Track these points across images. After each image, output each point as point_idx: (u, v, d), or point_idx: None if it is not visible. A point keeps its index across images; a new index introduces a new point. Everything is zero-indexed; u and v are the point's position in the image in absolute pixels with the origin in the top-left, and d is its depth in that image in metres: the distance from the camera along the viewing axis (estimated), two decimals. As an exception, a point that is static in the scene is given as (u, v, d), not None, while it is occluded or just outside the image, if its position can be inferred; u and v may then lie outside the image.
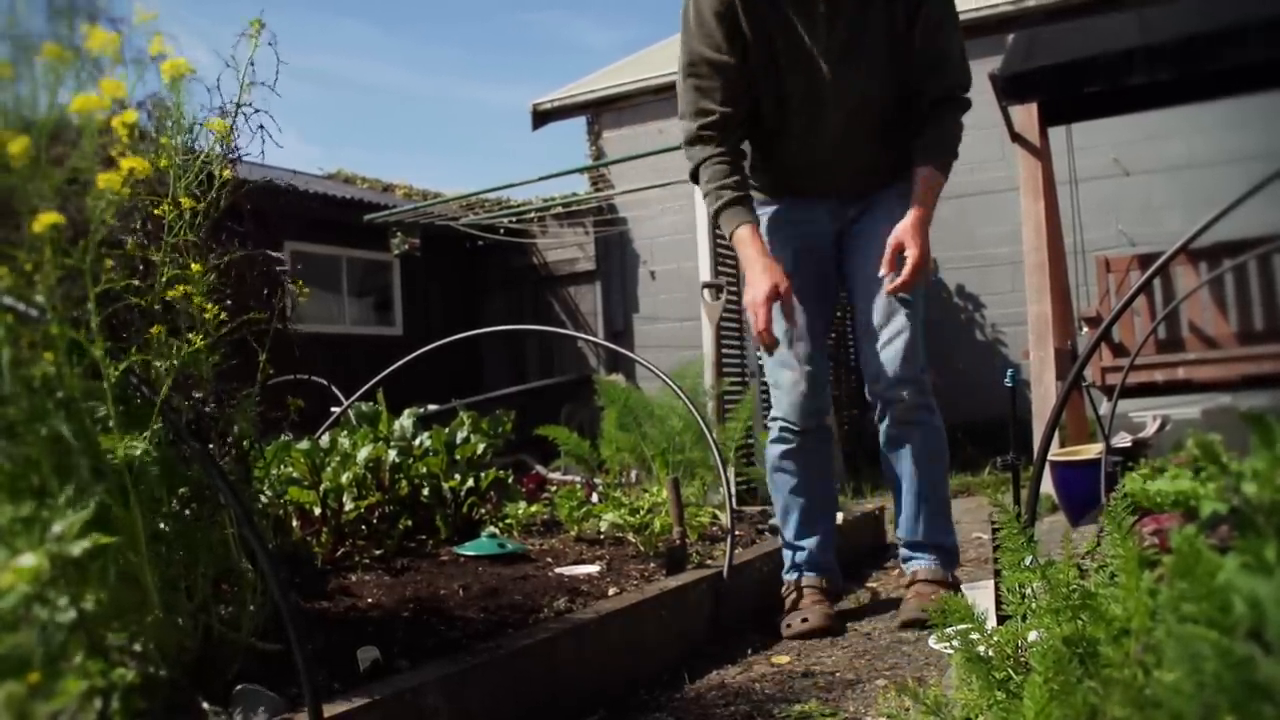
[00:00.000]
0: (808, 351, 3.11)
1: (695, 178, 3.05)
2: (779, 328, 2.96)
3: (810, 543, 3.20)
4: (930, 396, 3.09)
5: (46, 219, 1.38)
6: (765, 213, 3.16)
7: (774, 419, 3.19)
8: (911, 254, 2.82)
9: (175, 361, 1.72)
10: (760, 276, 2.89)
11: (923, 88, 2.97)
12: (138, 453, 1.57)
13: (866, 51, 2.92)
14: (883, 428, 3.11)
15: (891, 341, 3.00)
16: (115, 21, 1.56)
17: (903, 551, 3.20)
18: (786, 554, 3.25)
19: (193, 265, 1.82)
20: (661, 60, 11.64)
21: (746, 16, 2.89)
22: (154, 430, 1.63)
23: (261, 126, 1.99)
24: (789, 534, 3.23)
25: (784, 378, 3.12)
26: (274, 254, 2.12)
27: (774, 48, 2.91)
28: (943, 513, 3.16)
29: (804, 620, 3.02)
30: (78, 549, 1.43)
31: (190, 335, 1.79)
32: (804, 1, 2.87)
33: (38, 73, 1.49)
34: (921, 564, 3.11)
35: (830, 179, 3.10)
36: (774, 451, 3.21)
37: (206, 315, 1.82)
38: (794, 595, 3.15)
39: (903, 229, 2.84)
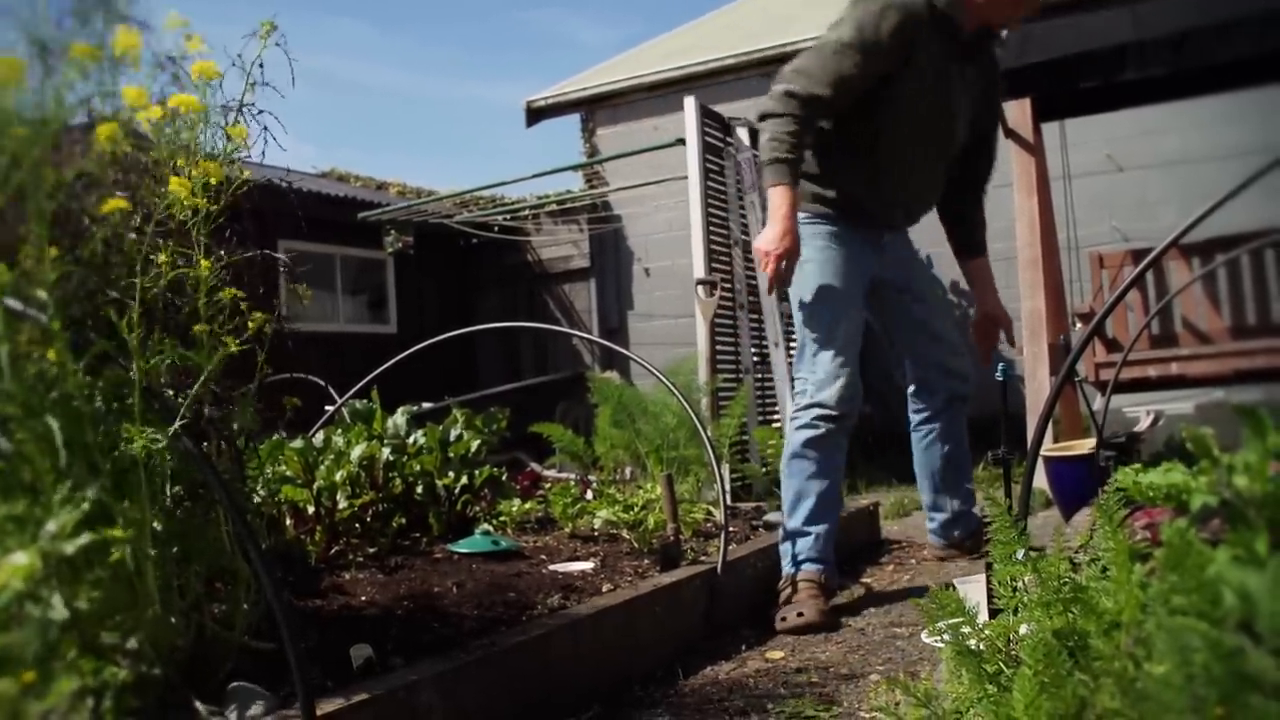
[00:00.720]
0: (852, 347, 3.32)
1: (764, 118, 3.17)
2: (829, 318, 3.28)
3: (818, 529, 3.24)
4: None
5: (114, 204, 1.41)
6: (824, 229, 3.34)
7: (808, 406, 3.26)
8: (1006, 327, 3.72)
9: (173, 360, 1.72)
10: (782, 235, 3.10)
11: (975, 167, 3.62)
12: (160, 445, 1.57)
13: (967, 114, 3.40)
14: (933, 419, 3.66)
15: (957, 348, 3.63)
16: (134, 22, 1.58)
17: (937, 520, 3.79)
18: (786, 546, 3.26)
19: (202, 263, 1.82)
20: (656, 57, 11.63)
21: (918, 49, 3.17)
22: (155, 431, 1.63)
23: (266, 128, 2.00)
24: (797, 521, 3.25)
25: (829, 366, 3.26)
26: (276, 254, 2.12)
27: (920, 85, 3.21)
28: (971, 495, 3.80)
29: (799, 615, 3.03)
30: (72, 547, 1.43)
31: (194, 329, 1.79)
32: (956, 58, 3.27)
33: (52, 69, 1.49)
34: (961, 530, 3.73)
35: (892, 213, 3.45)
36: (800, 437, 3.26)
37: (201, 319, 1.82)
38: (789, 590, 3.15)
39: (998, 315, 3.71)
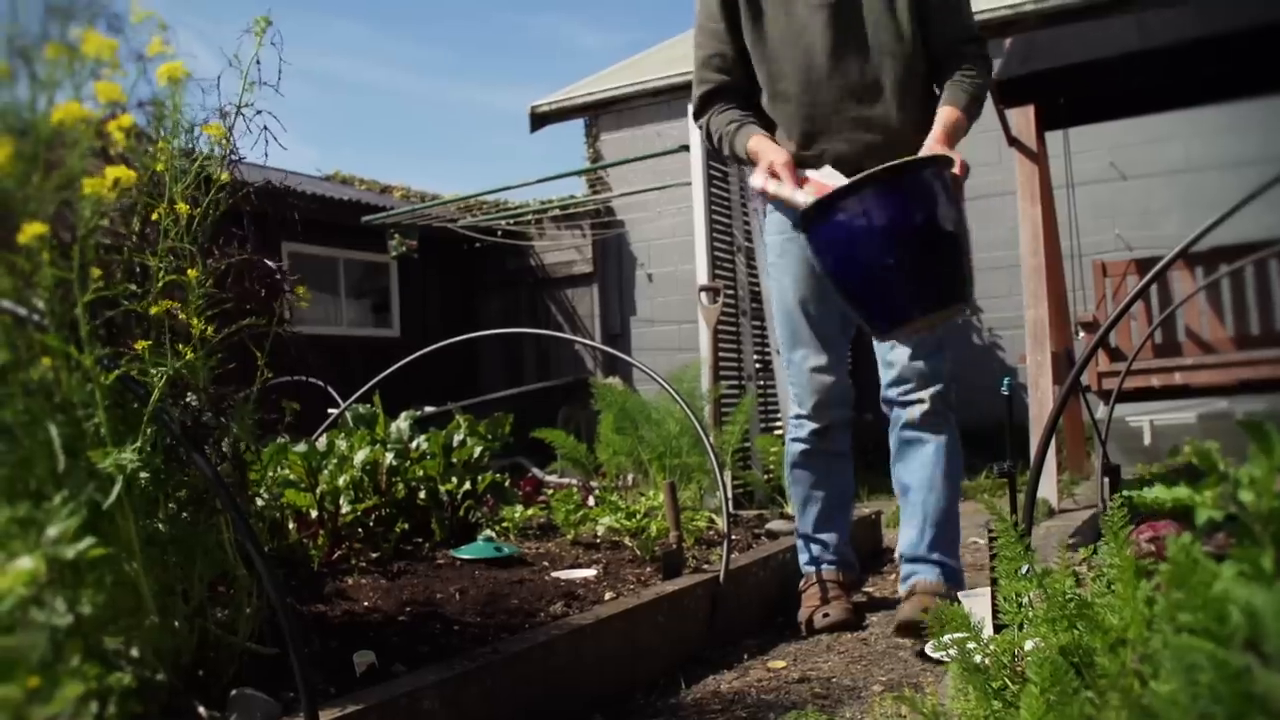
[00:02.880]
0: (825, 350, 3.13)
1: (710, 138, 3.10)
2: (794, 323, 3.11)
3: (828, 537, 3.24)
4: (952, 408, 3.04)
5: (32, 229, 1.38)
6: (777, 218, 3.16)
7: (795, 416, 3.22)
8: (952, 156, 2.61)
9: (170, 370, 1.71)
10: (773, 151, 2.87)
11: (930, 48, 2.95)
12: (126, 464, 1.56)
13: (860, 20, 2.92)
14: (896, 435, 3.05)
15: (913, 340, 2.96)
16: (113, 20, 1.56)
17: (904, 568, 3.04)
18: (801, 544, 3.29)
19: (189, 271, 1.82)
20: (659, 64, 11.61)
21: None
22: (145, 438, 1.63)
23: (265, 128, 1.99)
24: (807, 527, 3.27)
25: (804, 373, 3.15)
26: (273, 258, 2.12)
27: (785, 24, 2.95)
28: (951, 534, 3.03)
29: (825, 615, 3.07)
30: (72, 552, 1.43)
31: (180, 346, 1.79)
32: None
33: (36, 75, 1.49)
34: (922, 575, 2.97)
35: (844, 159, 2.91)
36: (794, 449, 3.25)
37: (194, 328, 1.82)
38: (814, 588, 3.19)
39: (929, 150, 2.73)
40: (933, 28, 2.93)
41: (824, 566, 3.23)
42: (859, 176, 2.39)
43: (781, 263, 3.15)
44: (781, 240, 3.14)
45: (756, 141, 2.92)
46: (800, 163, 2.90)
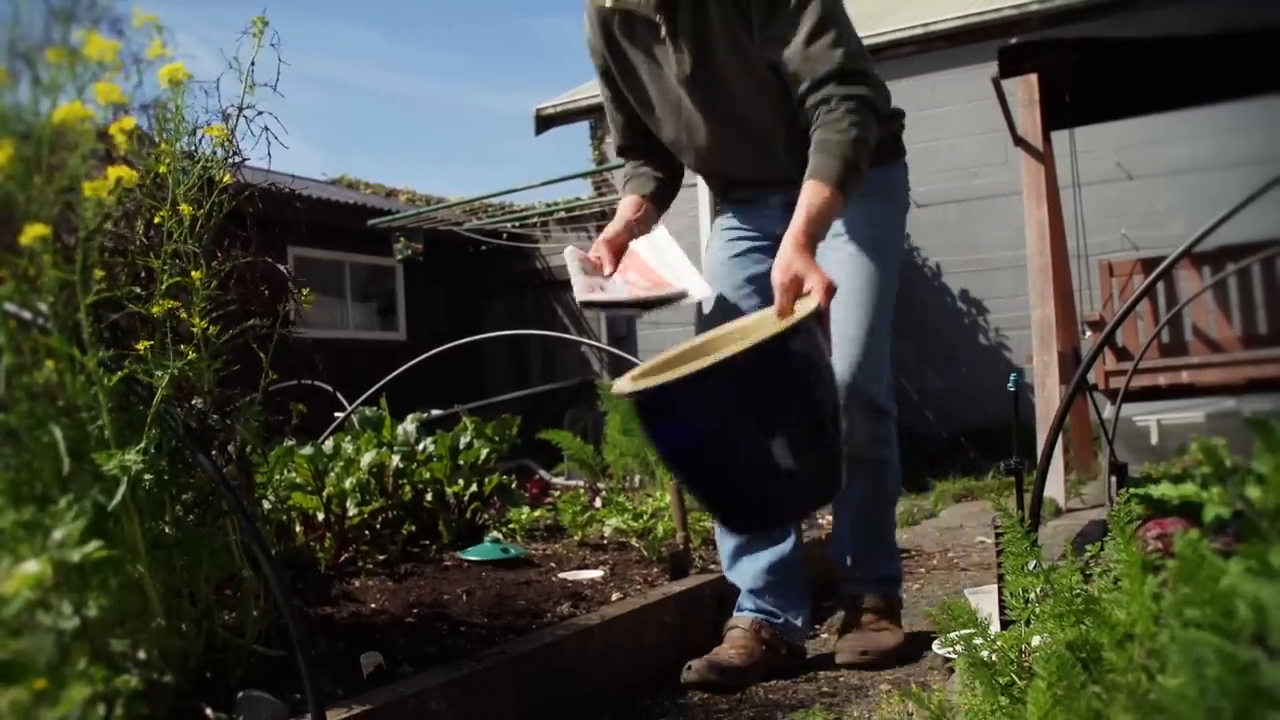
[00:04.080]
0: None
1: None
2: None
3: (741, 576, 2.79)
4: (890, 426, 2.70)
5: (34, 231, 1.38)
6: (716, 223, 2.99)
7: None
8: (812, 284, 2.12)
9: (173, 370, 1.72)
10: (612, 225, 2.70)
11: (797, 86, 2.45)
12: (131, 465, 1.57)
13: (718, 58, 2.56)
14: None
15: (850, 354, 2.57)
16: (115, 23, 1.57)
17: (841, 582, 2.83)
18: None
19: (193, 273, 1.82)
20: (664, 65, 11.63)
21: (609, 52, 2.72)
22: (149, 439, 1.63)
23: (266, 129, 1.99)
24: (724, 558, 2.87)
25: None
26: (278, 261, 2.12)
27: (636, 77, 2.71)
28: (887, 548, 2.83)
29: (689, 668, 2.55)
30: (78, 555, 1.43)
31: (183, 347, 1.79)
32: (649, 30, 2.61)
33: (41, 78, 1.49)
34: (860, 589, 2.77)
35: (748, 186, 2.81)
36: None
37: (195, 329, 1.82)
38: (731, 630, 2.73)
39: (786, 263, 2.17)
40: (786, 69, 2.46)
41: (739, 612, 2.76)
42: (696, 370, 1.87)
43: (709, 259, 2.94)
44: (716, 227, 2.97)
45: (620, 206, 2.79)
46: (724, 196, 2.89)
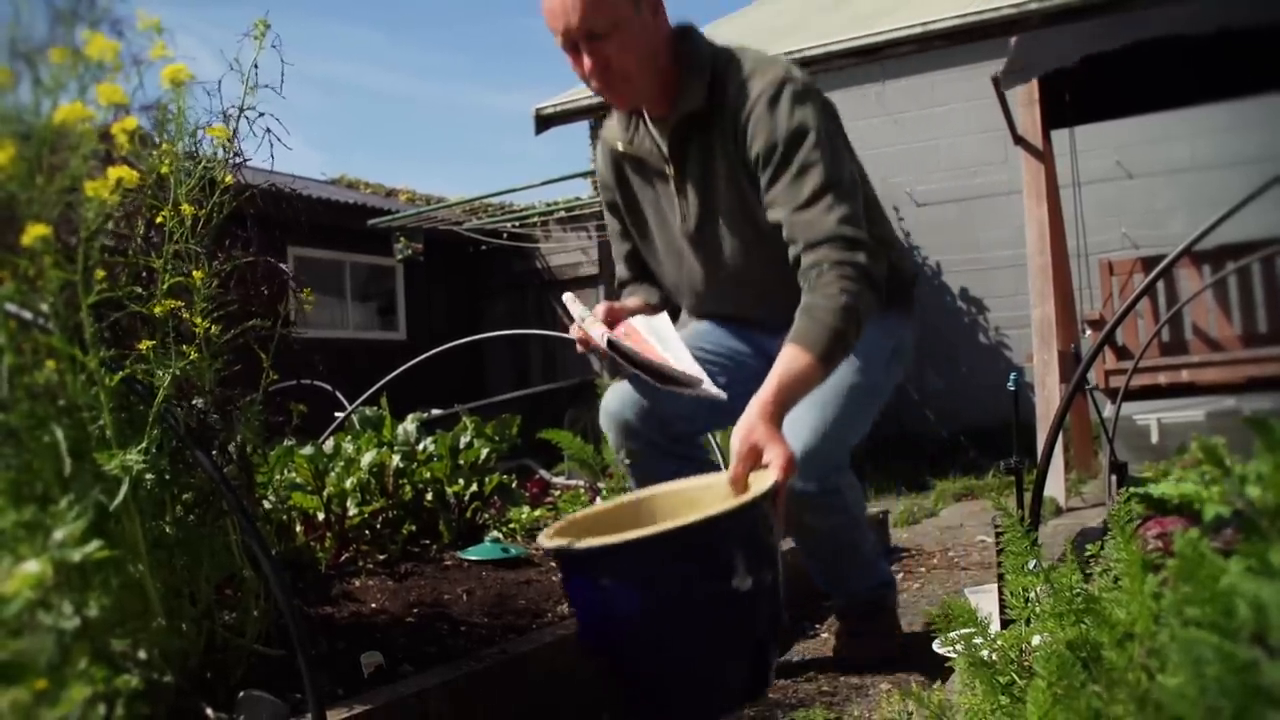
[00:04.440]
0: (681, 422, 2.66)
1: None
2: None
3: None
4: (840, 479, 2.50)
5: (36, 230, 1.38)
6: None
7: None
8: (771, 457, 2.00)
9: (175, 370, 1.72)
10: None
11: (793, 249, 2.33)
12: (133, 465, 1.57)
13: (722, 213, 2.51)
14: None
15: (804, 415, 2.32)
16: (115, 24, 1.57)
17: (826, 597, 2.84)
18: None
19: (195, 273, 1.82)
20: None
21: (619, 189, 2.70)
22: (150, 439, 1.63)
23: (268, 130, 1.99)
24: None
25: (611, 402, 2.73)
26: (279, 260, 2.12)
27: (651, 209, 2.67)
28: (860, 568, 2.69)
29: None
30: (79, 555, 1.43)
31: (185, 347, 1.79)
32: (658, 177, 2.59)
33: (42, 78, 1.49)
34: (843, 602, 2.74)
35: (743, 320, 2.69)
36: None
37: (197, 328, 1.82)
38: None
39: (748, 429, 2.04)
40: (784, 231, 2.35)
41: None
42: (618, 541, 1.74)
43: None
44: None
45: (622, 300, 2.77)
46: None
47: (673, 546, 1.73)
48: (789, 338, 2.20)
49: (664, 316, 2.66)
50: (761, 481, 1.92)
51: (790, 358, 2.16)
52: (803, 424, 2.35)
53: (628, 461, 2.71)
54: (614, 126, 2.65)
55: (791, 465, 1.99)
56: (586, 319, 2.41)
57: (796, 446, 2.14)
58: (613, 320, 2.58)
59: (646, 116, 2.56)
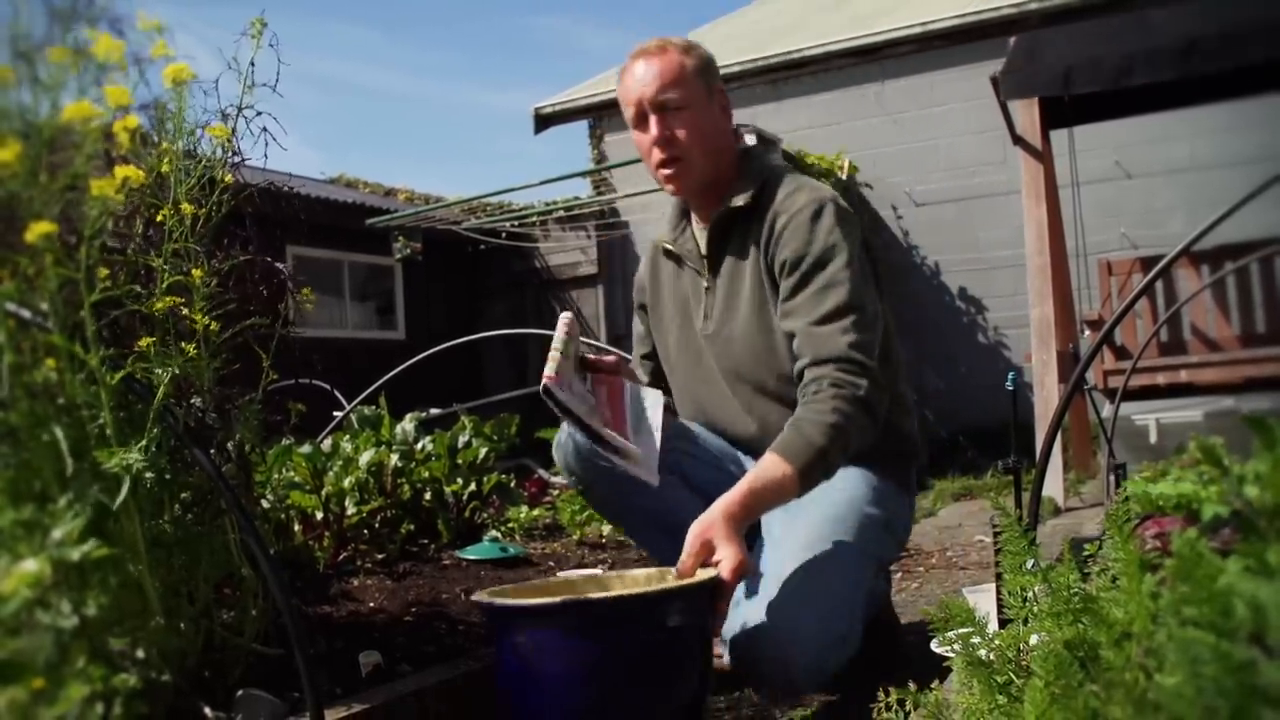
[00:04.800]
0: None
1: None
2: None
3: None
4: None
5: (40, 228, 1.38)
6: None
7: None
8: (723, 557, 1.93)
9: (174, 368, 1.72)
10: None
11: (798, 362, 2.28)
12: (133, 464, 1.57)
13: (742, 315, 2.47)
14: None
15: (793, 595, 2.08)
16: (115, 23, 1.57)
17: None
18: None
19: (194, 272, 1.82)
20: (663, 64, 11.60)
21: (651, 283, 2.70)
22: (150, 438, 1.63)
23: (265, 129, 1.99)
24: None
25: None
26: (278, 260, 2.12)
27: (665, 310, 2.66)
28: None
29: None
30: (77, 554, 1.43)
31: (184, 345, 1.79)
32: (690, 279, 2.59)
33: (41, 77, 1.49)
34: None
35: (734, 439, 2.60)
36: None
37: (197, 326, 1.82)
38: None
39: (706, 525, 1.97)
40: (795, 341, 2.30)
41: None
42: (542, 603, 1.78)
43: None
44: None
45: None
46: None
47: (616, 611, 1.76)
48: (771, 446, 2.12)
49: (657, 395, 2.54)
50: (706, 574, 1.90)
51: (768, 465, 2.09)
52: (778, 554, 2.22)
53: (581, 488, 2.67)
54: (664, 227, 2.67)
55: (741, 570, 1.92)
56: (553, 352, 2.30)
57: (799, 663, 2.05)
58: (603, 367, 2.48)
59: (694, 220, 2.58)
